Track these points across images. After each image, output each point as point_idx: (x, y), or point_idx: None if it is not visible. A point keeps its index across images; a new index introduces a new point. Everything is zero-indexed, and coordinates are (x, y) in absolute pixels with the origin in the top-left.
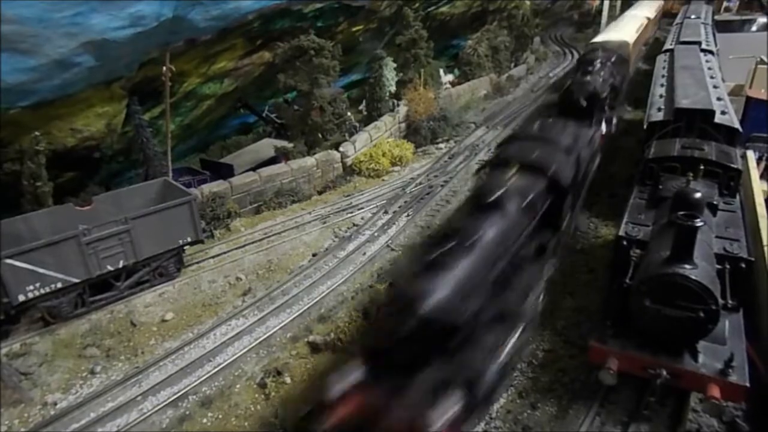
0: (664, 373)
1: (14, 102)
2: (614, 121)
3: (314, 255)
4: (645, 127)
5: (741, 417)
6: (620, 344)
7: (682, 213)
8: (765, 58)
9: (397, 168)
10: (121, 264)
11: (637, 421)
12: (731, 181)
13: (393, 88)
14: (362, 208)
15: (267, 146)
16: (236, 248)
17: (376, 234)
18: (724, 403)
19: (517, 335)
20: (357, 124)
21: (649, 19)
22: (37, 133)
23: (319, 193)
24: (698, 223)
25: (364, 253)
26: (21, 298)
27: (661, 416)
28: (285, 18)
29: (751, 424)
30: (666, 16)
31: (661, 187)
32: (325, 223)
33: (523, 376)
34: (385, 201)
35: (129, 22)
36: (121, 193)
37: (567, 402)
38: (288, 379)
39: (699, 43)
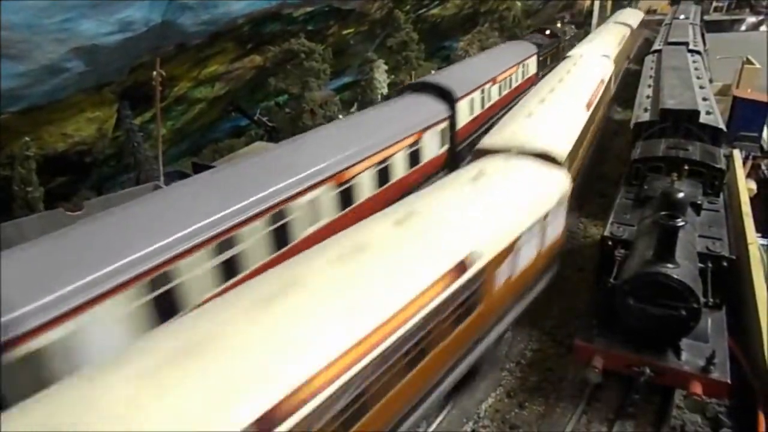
0: (648, 370)
1: (4, 107)
2: None
3: None
4: (632, 127)
5: (724, 413)
6: (605, 342)
7: (664, 213)
8: (751, 58)
9: None
10: None
11: (622, 419)
12: (715, 181)
13: (385, 90)
14: None
15: (259, 149)
16: None
17: None
18: (708, 400)
19: None
20: None
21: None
22: (27, 138)
23: None
24: (680, 222)
25: None
26: None
27: (646, 413)
28: (275, 22)
29: (734, 420)
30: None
31: (646, 187)
32: None
33: (512, 375)
34: None
35: (118, 28)
36: (112, 198)
37: (554, 400)
38: None
39: (687, 43)
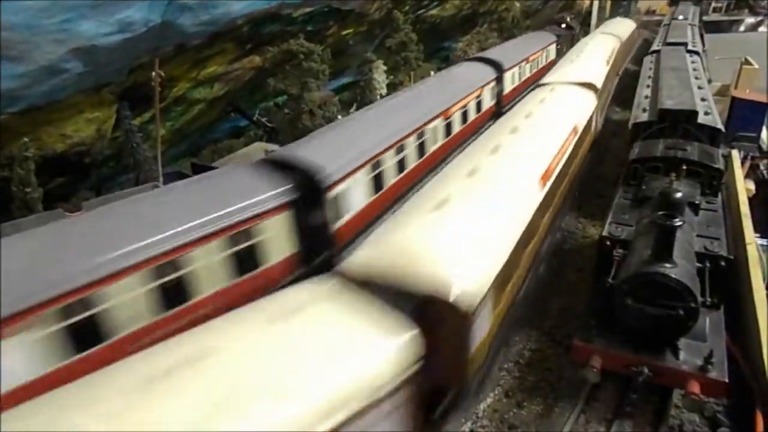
0: (646, 370)
1: (3, 108)
2: None
3: None
4: (630, 127)
5: (722, 412)
6: (603, 342)
7: (662, 213)
8: (750, 59)
9: None
10: None
11: (620, 419)
12: (713, 181)
13: (384, 91)
14: None
15: (258, 150)
16: None
17: None
18: (706, 399)
19: None
20: None
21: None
22: (26, 138)
23: None
24: (677, 222)
25: None
26: None
27: (644, 413)
28: (275, 22)
29: (732, 419)
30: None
31: (644, 187)
32: None
33: (510, 375)
34: None
35: (118, 28)
36: (110, 199)
37: (552, 400)
38: None
39: (685, 44)
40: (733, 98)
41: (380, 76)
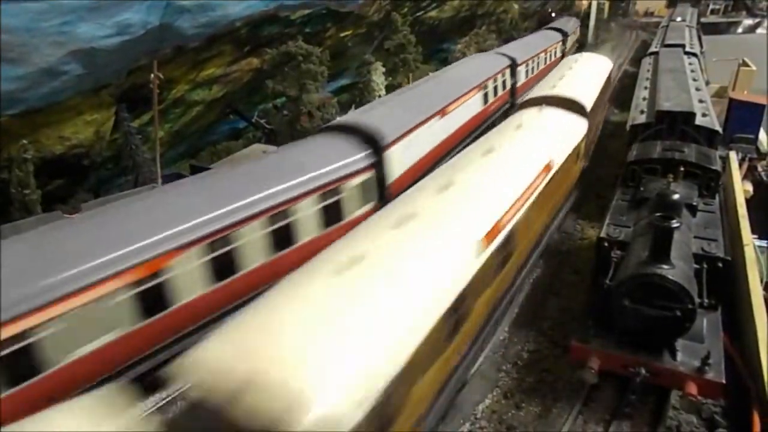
0: (643, 371)
1: (2, 110)
2: None
3: None
4: (628, 129)
5: (719, 413)
6: (601, 343)
7: (659, 214)
8: (748, 60)
9: None
10: None
11: (618, 419)
12: (711, 182)
13: (382, 93)
14: None
15: (257, 152)
16: None
17: None
18: (703, 400)
19: None
20: None
21: None
22: (25, 141)
23: None
24: (674, 224)
25: None
26: None
27: (642, 414)
28: (273, 24)
29: (729, 420)
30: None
31: (642, 188)
32: None
33: (509, 376)
34: None
35: (116, 31)
36: (110, 201)
37: (551, 401)
38: None
39: (683, 45)
40: (731, 100)
41: (379, 78)
